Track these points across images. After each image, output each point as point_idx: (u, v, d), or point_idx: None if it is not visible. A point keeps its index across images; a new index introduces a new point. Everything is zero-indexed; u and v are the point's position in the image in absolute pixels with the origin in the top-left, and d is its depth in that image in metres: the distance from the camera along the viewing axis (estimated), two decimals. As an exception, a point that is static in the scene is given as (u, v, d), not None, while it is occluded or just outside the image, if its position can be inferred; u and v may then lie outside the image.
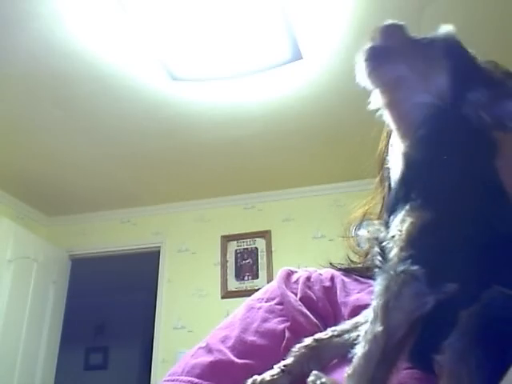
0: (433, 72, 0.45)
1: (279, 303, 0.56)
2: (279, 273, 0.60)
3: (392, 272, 0.35)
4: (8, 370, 3.39)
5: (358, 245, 0.63)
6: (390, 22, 0.48)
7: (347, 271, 0.61)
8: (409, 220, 0.37)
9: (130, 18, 2.25)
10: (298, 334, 0.50)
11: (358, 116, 2.05)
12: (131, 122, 3.11)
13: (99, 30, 2.36)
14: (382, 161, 0.65)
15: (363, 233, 0.63)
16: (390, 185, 0.61)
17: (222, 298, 3.78)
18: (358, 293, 0.55)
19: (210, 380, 0.49)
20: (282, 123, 3.15)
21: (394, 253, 0.36)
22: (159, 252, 4.12)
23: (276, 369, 0.44)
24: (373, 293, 0.37)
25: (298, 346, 0.46)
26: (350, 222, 0.67)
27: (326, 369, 0.45)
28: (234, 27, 2.30)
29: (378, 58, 0.46)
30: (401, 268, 0.35)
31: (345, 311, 0.53)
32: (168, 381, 0.51)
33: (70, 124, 3.11)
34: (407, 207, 0.38)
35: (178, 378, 0.51)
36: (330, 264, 0.63)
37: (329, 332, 0.47)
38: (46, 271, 3.87)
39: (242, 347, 0.52)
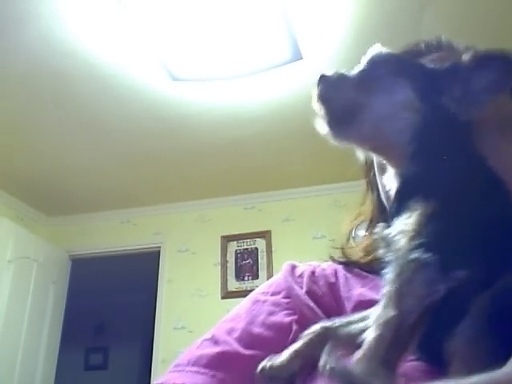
0: (396, 97, 0.45)
1: (285, 297, 0.55)
2: (284, 266, 0.60)
3: (404, 260, 0.35)
4: (8, 370, 3.39)
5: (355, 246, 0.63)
6: (326, 76, 0.48)
7: (348, 265, 0.61)
8: (415, 213, 0.37)
9: (131, 17, 2.25)
10: (305, 327, 0.50)
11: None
12: (131, 122, 3.11)
13: (100, 29, 2.36)
14: (368, 164, 0.64)
15: (361, 233, 0.63)
16: (378, 189, 0.61)
17: (222, 298, 3.78)
18: (361, 287, 0.54)
19: (217, 370, 0.48)
20: (282, 123, 3.14)
21: (403, 243, 0.36)
22: (159, 252, 4.11)
23: (285, 353, 0.44)
24: (376, 288, 0.37)
25: (306, 332, 0.46)
26: (341, 234, 0.66)
27: None
28: (234, 27, 2.30)
29: (340, 123, 0.47)
30: (413, 256, 0.35)
31: (348, 306, 0.53)
32: (174, 371, 0.50)
33: (71, 124, 3.11)
34: (410, 206, 0.38)
35: (184, 368, 0.50)
36: (331, 258, 0.63)
37: (336, 321, 0.47)
38: (46, 271, 3.87)
39: (248, 339, 0.51)
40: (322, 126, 0.47)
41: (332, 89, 0.47)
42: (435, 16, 2.27)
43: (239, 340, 0.51)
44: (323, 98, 0.47)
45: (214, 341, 0.52)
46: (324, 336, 0.45)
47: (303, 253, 3.59)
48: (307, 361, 0.44)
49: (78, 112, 3.00)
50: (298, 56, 2.52)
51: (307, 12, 2.29)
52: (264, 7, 2.20)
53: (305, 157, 3.55)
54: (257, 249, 3.90)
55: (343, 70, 0.49)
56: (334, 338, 0.44)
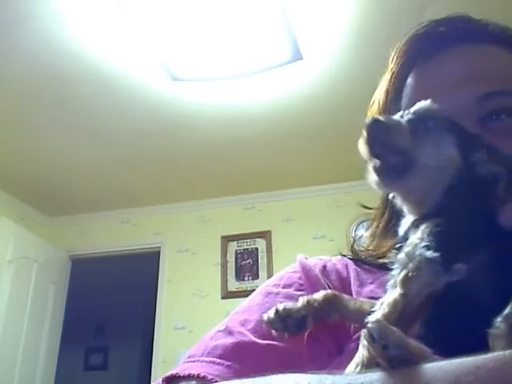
0: (445, 151, 0.46)
1: (298, 289, 0.55)
2: (298, 259, 0.61)
3: (411, 256, 0.40)
4: (8, 370, 3.39)
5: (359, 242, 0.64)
6: (379, 121, 0.46)
7: (357, 261, 0.61)
8: (423, 226, 0.42)
9: (131, 18, 2.25)
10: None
11: (357, 116, 2.04)
12: (131, 123, 3.11)
13: (99, 30, 2.36)
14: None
15: (362, 233, 0.64)
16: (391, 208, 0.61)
17: (223, 298, 3.78)
18: (371, 283, 0.55)
19: (232, 360, 0.48)
20: (282, 123, 3.15)
21: (410, 243, 0.41)
22: (159, 252, 4.12)
23: (300, 300, 0.47)
24: (384, 284, 0.41)
25: (318, 292, 0.48)
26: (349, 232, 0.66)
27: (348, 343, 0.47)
28: (234, 27, 2.31)
29: (392, 173, 0.46)
30: (418, 252, 0.39)
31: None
32: (188, 362, 0.49)
33: (71, 124, 3.11)
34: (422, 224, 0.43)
35: (198, 359, 0.49)
36: (341, 254, 0.63)
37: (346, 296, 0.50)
38: (46, 271, 3.87)
39: (263, 330, 0.50)
40: (370, 173, 0.46)
41: (387, 135, 0.46)
42: (435, 16, 2.27)
43: (254, 331, 0.50)
44: (377, 144, 0.45)
45: (228, 332, 0.51)
46: (334, 300, 0.48)
47: (303, 253, 3.57)
48: (318, 314, 0.47)
49: (78, 113, 3.00)
50: (298, 56, 2.52)
51: (307, 12, 2.29)
52: (264, 7, 2.20)
53: (305, 157, 3.55)
54: (257, 249, 3.90)
55: (394, 116, 0.47)
56: (343, 307, 0.48)
